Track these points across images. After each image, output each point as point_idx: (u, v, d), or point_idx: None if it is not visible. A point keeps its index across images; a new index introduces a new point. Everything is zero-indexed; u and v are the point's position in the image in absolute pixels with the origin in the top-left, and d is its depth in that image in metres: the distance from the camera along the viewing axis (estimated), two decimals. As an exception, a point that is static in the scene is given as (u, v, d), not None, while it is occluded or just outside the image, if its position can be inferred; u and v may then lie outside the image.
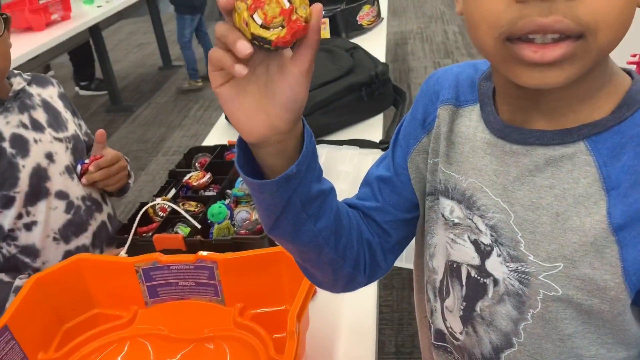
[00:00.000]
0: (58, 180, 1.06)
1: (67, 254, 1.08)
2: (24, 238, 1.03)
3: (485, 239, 0.56)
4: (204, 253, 0.90)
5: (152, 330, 0.90)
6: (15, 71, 1.10)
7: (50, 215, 1.05)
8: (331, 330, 0.92)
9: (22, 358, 0.82)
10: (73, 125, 1.14)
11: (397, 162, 0.66)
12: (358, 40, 2.09)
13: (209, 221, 1.08)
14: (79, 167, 1.10)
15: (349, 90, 1.56)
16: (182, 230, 1.06)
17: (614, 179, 0.48)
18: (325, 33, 2.35)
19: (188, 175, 1.23)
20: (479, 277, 0.58)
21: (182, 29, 4.37)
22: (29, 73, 1.14)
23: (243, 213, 1.10)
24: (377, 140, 1.47)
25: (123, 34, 6.49)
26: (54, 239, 1.07)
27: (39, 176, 1.03)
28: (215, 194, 1.18)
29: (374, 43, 2.21)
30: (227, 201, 1.15)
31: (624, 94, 0.49)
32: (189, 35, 4.35)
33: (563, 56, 0.43)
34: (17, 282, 1.00)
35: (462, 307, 0.61)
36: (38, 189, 1.03)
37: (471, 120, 0.58)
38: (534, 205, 0.52)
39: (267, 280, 0.89)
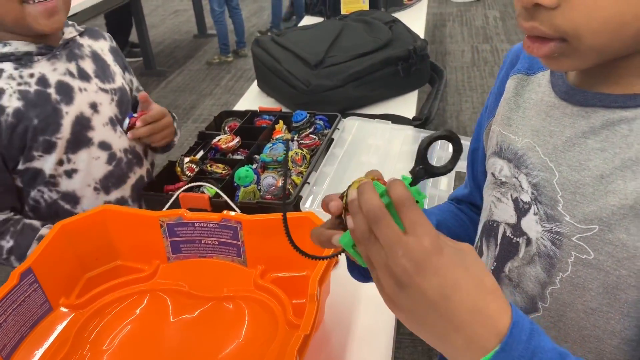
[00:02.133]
0: (101, 131, 1.05)
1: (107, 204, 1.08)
2: (65, 184, 1.03)
3: (525, 197, 0.56)
4: (231, 213, 0.89)
5: (173, 285, 0.90)
6: (70, 22, 1.09)
7: (91, 164, 1.05)
8: (351, 300, 0.91)
9: (44, 301, 0.82)
10: (121, 79, 1.13)
11: (480, 135, 0.71)
12: (397, 16, 2.04)
13: (236, 184, 1.07)
14: (126, 121, 1.09)
15: (385, 64, 1.53)
16: (209, 191, 1.05)
17: None
18: (364, 7, 2.31)
19: (217, 138, 1.22)
20: (512, 236, 0.58)
21: (211, 3, 4.35)
22: (83, 26, 1.13)
23: (269, 179, 1.08)
24: (410, 117, 1.44)
25: (160, 0, 6.50)
26: (95, 188, 1.06)
27: (82, 125, 1.02)
28: (243, 158, 1.17)
29: (413, 20, 2.16)
30: (254, 166, 1.14)
31: None
32: (220, 9, 4.32)
33: (550, 54, 0.47)
34: (43, 230, 1.01)
35: (492, 268, 0.61)
36: (80, 137, 1.02)
37: (540, 86, 0.59)
38: (581, 167, 0.52)
39: (290, 245, 0.88)
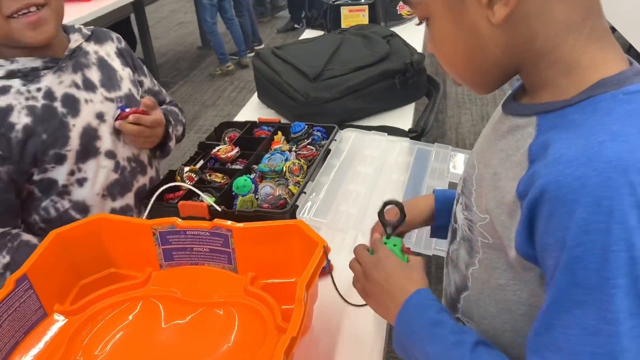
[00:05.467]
0: (108, 140, 1.07)
1: (113, 212, 1.10)
2: (76, 193, 1.05)
3: (458, 189, 0.68)
4: (227, 222, 0.90)
5: (165, 292, 0.91)
6: (77, 26, 1.10)
7: (99, 173, 1.06)
8: (339, 306, 0.91)
9: (38, 307, 0.83)
10: (128, 84, 1.13)
11: None
12: (396, 30, 2.06)
13: (234, 193, 1.09)
14: (117, 111, 1.07)
15: (382, 77, 1.55)
16: (208, 199, 1.06)
17: (534, 152, 0.52)
18: (364, 20, 2.33)
19: (217, 148, 1.24)
20: (453, 223, 0.70)
21: (202, 14, 4.38)
22: (90, 27, 1.13)
23: (267, 188, 1.10)
24: (406, 129, 1.46)
25: (165, 12, 6.58)
26: (102, 196, 1.08)
27: (90, 135, 1.04)
28: (241, 167, 1.19)
29: (412, 33, 2.17)
30: (252, 175, 1.15)
31: (593, 83, 0.52)
32: (212, 20, 4.34)
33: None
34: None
35: (448, 251, 0.72)
36: (88, 148, 1.04)
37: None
38: (488, 164, 0.60)
39: (280, 252, 0.90)
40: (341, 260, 0.89)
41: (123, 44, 1.19)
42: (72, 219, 1.06)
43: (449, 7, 0.55)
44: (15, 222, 1.04)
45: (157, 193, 1.05)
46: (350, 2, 2.59)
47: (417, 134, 1.43)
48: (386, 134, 1.39)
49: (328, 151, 1.27)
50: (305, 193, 1.10)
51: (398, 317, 0.65)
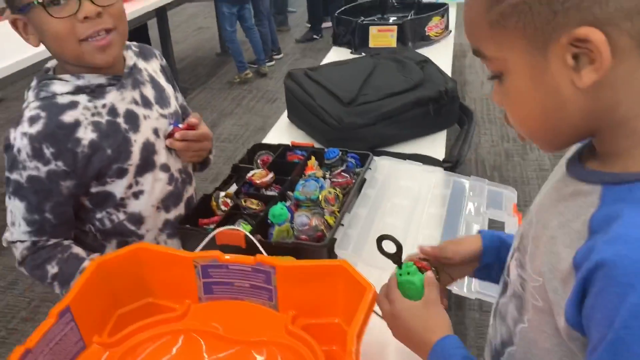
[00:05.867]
0: (162, 154, 1.11)
1: (166, 222, 1.15)
2: (132, 206, 1.09)
3: (515, 243, 0.67)
4: (264, 256, 0.89)
5: (205, 326, 0.90)
6: (127, 42, 1.13)
7: (155, 186, 1.11)
8: (381, 350, 0.90)
9: (78, 340, 0.82)
10: (174, 101, 1.18)
11: None
12: (424, 51, 2.06)
13: (269, 221, 1.08)
14: (170, 128, 1.12)
15: (416, 104, 1.53)
16: (243, 227, 1.06)
17: (595, 224, 0.51)
18: (392, 41, 2.33)
19: (252, 172, 1.23)
20: (505, 276, 0.69)
21: (222, 22, 4.39)
22: (135, 43, 1.17)
23: (303, 217, 1.09)
24: (440, 159, 1.44)
25: (184, 16, 6.60)
26: (157, 208, 1.13)
27: (148, 150, 1.08)
28: (276, 194, 1.18)
29: (440, 55, 2.17)
30: (287, 203, 1.14)
31: None
32: (231, 29, 4.36)
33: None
34: (85, 262, 1.03)
35: (497, 303, 0.71)
36: (147, 162, 1.08)
37: (560, 166, 0.67)
38: (546, 225, 0.58)
39: (323, 292, 0.88)
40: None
41: (164, 60, 1.23)
42: (126, 229, 1.10)
43: (530, 65, 0.53)
44: (69, 234, 1.08)
45: (215, 231, 1.04)
46: (378, 21, 2.59)
47: (450, 163, 1.42)
48: (421, 163, 1.38)
49: (363, 180, 1.26)
50: (342, 225, 1.09)
51: None
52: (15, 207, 1.01)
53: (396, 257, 0.81)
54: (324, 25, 5.57)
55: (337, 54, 2.35)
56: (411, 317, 0.73)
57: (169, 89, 1.18)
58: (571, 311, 0.52)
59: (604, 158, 0.55)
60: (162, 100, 1.14)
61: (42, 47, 1.01)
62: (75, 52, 0.97)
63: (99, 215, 1.09)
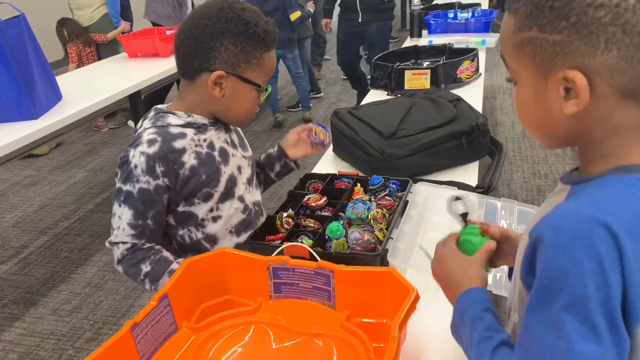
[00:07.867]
0: (241, 188, 1.33)
1: (237, 245, 1.33)
2: (210, 227, 1.29)
3: None
4: (325, 262, 1.05)
5: (273, 319, 1.06)
6: None
7: (231, 213, 1.30)
8: (422, 346, 1.02)
9: (172, 322, 1.00)
10: (249, 148, 1.43)
11: None
12: (456, 92, 2.22)
13: (327, 236, 1.25)
14: (317, 125, 1.49)
15: (450, 137, 1.70)
16: (306, 241, 1.23)
17: None
18: (426, 83, 2.51)
19: (307, 197, 1.42)
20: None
21: None
22: None
23: (356, 233, 1.25)
24: (473, 185, 1.60)
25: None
26: (230, 232, 1.32)
27: (232, 182, 1.29)
28: (330, 215, 1.35)
29: (472, 95, 2.32)
30: (341, 222, 1.31)
31: (615, 166, 0.64)
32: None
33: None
34: (173, 265, 1.22)
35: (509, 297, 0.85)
36: (229, 192, 1.29)
37: None
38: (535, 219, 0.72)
39: (373, 294, 1.02)
40: (427, 296, 1.01)
41: None
42: (202, 247, 1.29)
43: (534, 85, 0.67)
44: (160, 240, 1.27)
45: (284, 245, 1.21)
46: (412, 65, 2.80)
47: (483, 189, 1.57)
48: (456, 187, 1.54)
49: (406, 202, 1.42)
50: (392, 238, 1.25)
51: (454, 306, 0.80)
52: (123, 213, 1.20)
53: (463, 217, 0.93)
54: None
55: (375, 96, 2.54)
56: (456, 261, 0.84)
57: (242, 134, 1.43)
58: (524, 270, 0.64)
59: (582, 166, 0.70)
60: (242, 145, 1.38)
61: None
62: (240, 119, 1.28)
63: (180, 232, 1.28)
